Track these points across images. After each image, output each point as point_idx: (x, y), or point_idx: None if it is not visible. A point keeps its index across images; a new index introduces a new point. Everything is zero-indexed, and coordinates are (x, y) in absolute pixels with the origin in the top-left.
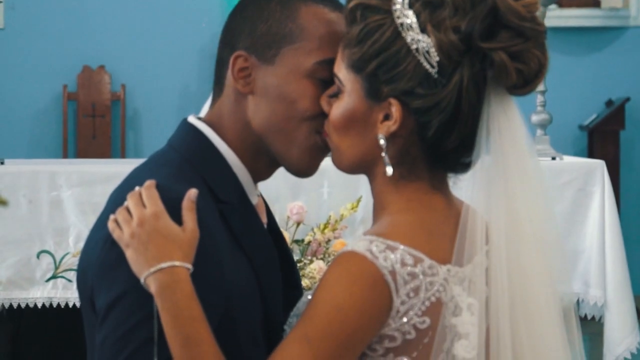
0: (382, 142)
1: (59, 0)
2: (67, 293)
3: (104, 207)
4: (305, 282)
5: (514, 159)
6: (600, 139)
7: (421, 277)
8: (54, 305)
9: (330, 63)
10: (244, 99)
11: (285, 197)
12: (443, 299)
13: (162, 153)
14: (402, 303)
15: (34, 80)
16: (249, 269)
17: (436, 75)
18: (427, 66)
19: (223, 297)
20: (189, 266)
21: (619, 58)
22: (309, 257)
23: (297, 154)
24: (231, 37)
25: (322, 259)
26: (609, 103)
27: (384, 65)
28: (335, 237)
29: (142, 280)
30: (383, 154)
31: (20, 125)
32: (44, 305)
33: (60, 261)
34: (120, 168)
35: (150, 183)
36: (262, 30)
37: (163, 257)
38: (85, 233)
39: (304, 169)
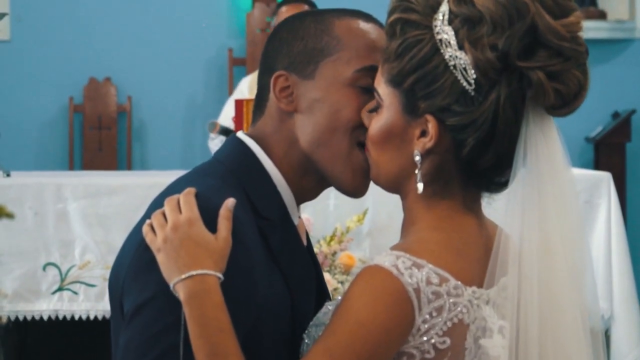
0: (417, 158)
1: (65, 12)
2: (72, 306)
3: (143, 214)
4: None
5: (550, 182)
6: (607, 151)
7: (445, 297)
8: (60, 317)
9: (370, 70)
10: (289, 118)
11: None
12: (465, 321)
13: (207, 164)
14: (424, 322)
15: (40, 92)
16: (284, 288)
17: (473, 93)
18: (464, 83)
19: (252, 312)
20: (220, 275)
21: (625, 70)
22: None
23: (343, 168)
24: (269, 62)
25: (328, 271)
26: (615, 115)
27: (421, 81)
28: (341, 250)
29: (171, 286)
30: (417, 171)
31: (26, 137)
32: (49, 317)
33: (67, 273)
34: (127, 180)
35: (189, 190)
36: (299, 48)
37: (194, 265)
38: (91, 245)
39: (353, 186)
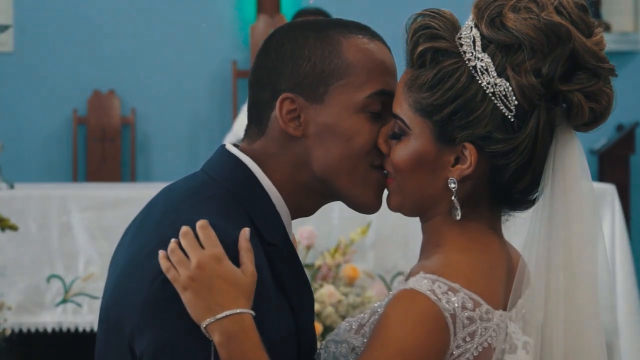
0: (452, 185)
1: (69, 24)
2: (76, 318)
3: (141, 240)
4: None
5: (574, 195)
6: (611, 163)
7: (478, 322)
8: (64, 330)
9: (380, 95)
10: (295, 142)
11: (295, 221)
12: (493, 345)
13: (202, 184)
14: (457, 347)
15: (44, 104)
16: (289, 312)
17: (513, 119)
18: (505, 110)
19: (267, 343)
20: (253, 313)
21: (629, 82)
22: (319, 282)
23: (361, 191)
24: (269, 79)
25: (332, 283)
26: (619, 127)
27: (459, 111)
28: (345, 262)
29: (202, 326)
30: (453, 198)
31: (30, 149)
32: (53, 329)
33: (70, 285)
34: (130, 192)
35: (204, 223)
36: (306, 70)
37: (228, 304)
38: (94, 257)
39: (370, 206)
